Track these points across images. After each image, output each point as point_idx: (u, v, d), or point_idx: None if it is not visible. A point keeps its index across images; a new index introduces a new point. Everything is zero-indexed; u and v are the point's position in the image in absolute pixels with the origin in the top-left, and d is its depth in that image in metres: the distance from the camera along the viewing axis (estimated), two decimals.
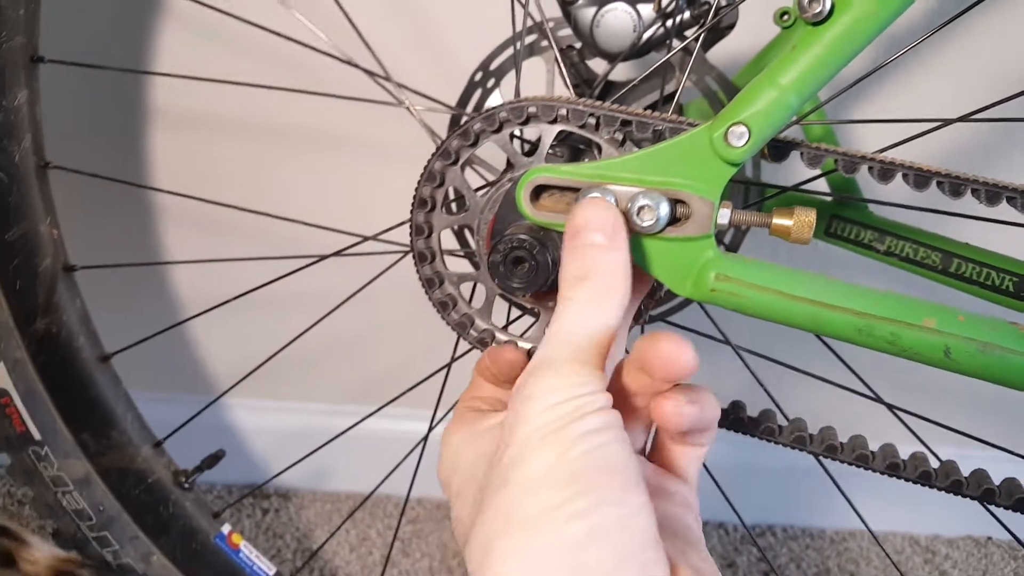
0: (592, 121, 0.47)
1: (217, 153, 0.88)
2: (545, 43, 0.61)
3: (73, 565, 0.67)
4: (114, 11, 0.81)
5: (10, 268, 0.61)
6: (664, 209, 0.44)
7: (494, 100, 0.62)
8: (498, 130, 0.49)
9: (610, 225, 0.41)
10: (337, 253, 0.65)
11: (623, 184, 0.45)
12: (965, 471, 0.54)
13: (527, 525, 0.34)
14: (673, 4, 0.56)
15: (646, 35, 0.57)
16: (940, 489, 0.54)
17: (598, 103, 0.47)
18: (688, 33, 0.58)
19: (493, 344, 0.51)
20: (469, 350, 0.57)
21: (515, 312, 0.63)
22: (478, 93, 0.63)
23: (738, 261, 0.46)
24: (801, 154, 0.47)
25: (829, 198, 0.67)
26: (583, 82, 0.62)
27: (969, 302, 0.63)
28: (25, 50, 0.60)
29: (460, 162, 0.50)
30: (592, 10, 0.57)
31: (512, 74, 0.61)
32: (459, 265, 0.58)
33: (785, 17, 0.57)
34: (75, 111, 0.84)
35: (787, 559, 0.99)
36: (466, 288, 0.55)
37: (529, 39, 0.61)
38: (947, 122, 0.55)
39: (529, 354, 0.48)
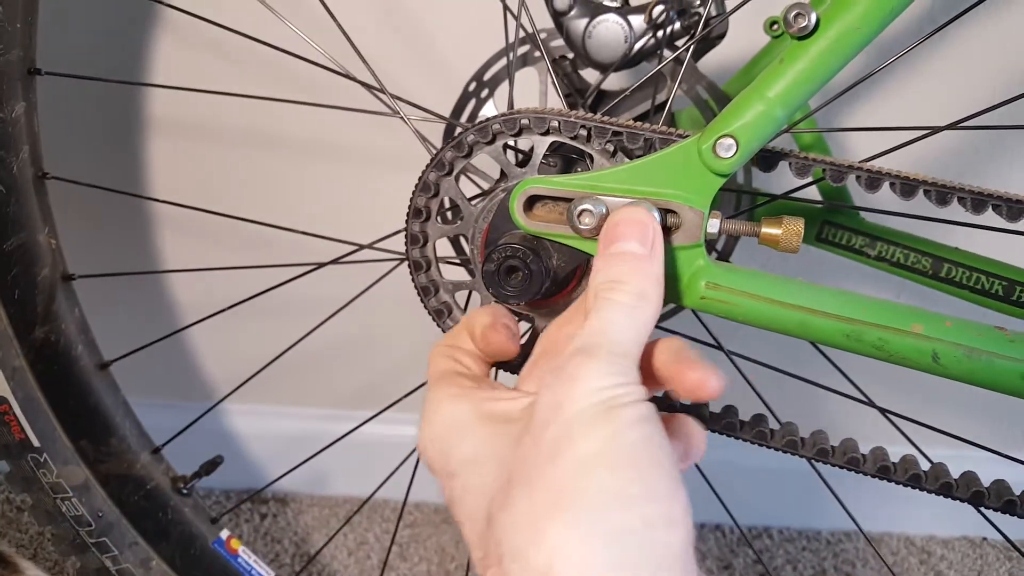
0: (584, 132, 0.48)
1: (214, 163, 0.88)
2: (538, 54, 0.62)
3: None
4: (111, 23, 0.82)
5: (9, 278, 0.62)
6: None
7: (488, 110, 0.63)
8: (491, 141, 0.49)
9: (650, 236, 0.41)
10: (334, 261, 0.66)
11: (614, 194, 0.45)
12: (956, 472, 0.55)
13: (583, 506, 0.33)
14: (664, 15, 0.57)
15: (637, 45, 0.58)
16: (930, 492, 0.54)
17: (589, 115, 0.48)
18: (679, 43, 0.59)
19: (491, 321, 0.47)
20: None
21: None
22: (472, 103, 0.63)
23: (728, 269, 0.47)
24: (790, 164, 0.48)
25: (820, 205, 0.68)
26: (576, 92, 0.63)
27: (959, 306, 0.64)
28: (22, 63, 0.60)
29: (454, 173, 0.51)
30: (584, 21, 0.58)
31: (506, 84, 0.61)
32: (455, 273, 0.59)
33: (775, 27, 0.58)
34: (73, 122, 0.85)
35: (783, 561, 1.00)
36: (461, 296, 0.56)
37: (522, 50, 0.62)
38: (936, 130, 0.55)
39: (522, 349, 0.48)
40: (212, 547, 0.73)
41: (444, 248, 0.61)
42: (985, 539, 1.04)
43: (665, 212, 0.46)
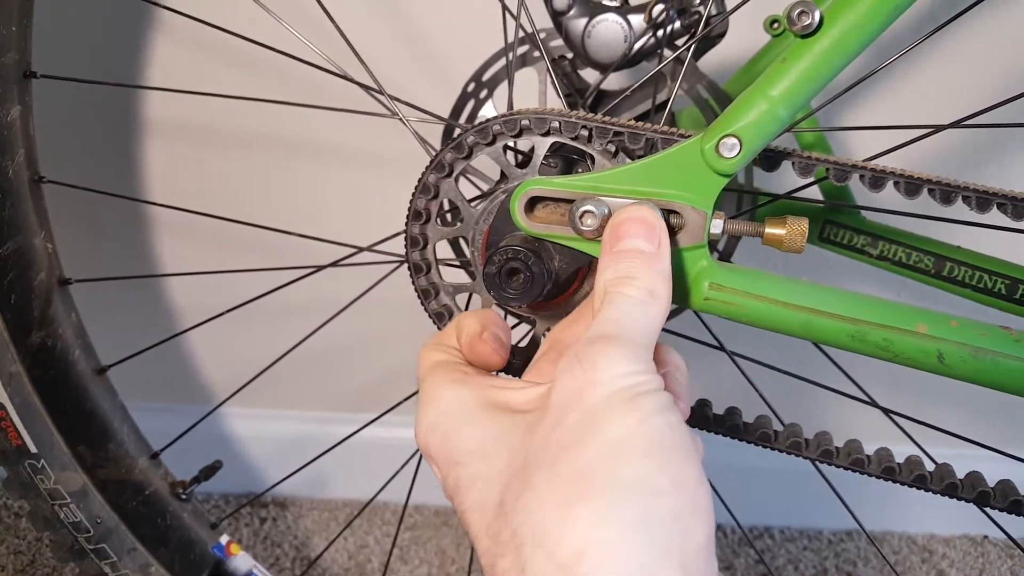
0: (585, 133, 0.48)
1: (212, 165, 0.88)
2: (537, 54, 0.62)
3: None
4: (107, 26, 0.81)
5: (5, 282, 0.61)
6: None
7: (487, 111, 0.62)
8: (491, 143, 0.49)
9: (656, 234, 0.41)
10: (333, 264, 0.66)
11: (616, 195, 0.45)
12: (961, 472, 0.55)
13: (616, 491, 0.32)
14: (664, 14, 0.57)
15: (637, 45, 0.58)
16: (935, 492, 0.54)
17: (590, 115, 0.48)
18: (679, 42, 0.59)
19: (479, 330, 0.45)
20: None
21: (511, 320, 0.63)
22: (471, 104, 0.63)
23: (731, 270, 0.47)
24: (793, 163, 0.47)
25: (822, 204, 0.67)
26: (576, 92, 0.62)
27: (962, 305, 0.64)
28: (18, 66, 0.60)
29: (454, 175, 0.50)
30: (583, 21, 0.57)
31: (505, 84, 0.61)
32: (455, 275, 0.58)
33: (775, 25, 0.57)
34: (69, 125, 0.84)
35: (785, 560, 1.00)
36: (462, 298, 0.56)
37: (521, 50, 0.62)
38: (938, 128, 0.55)
39: (510, 362, 0.47)
40: (212, 552, 0.73)
41: (444, 250, 0.61)
42: (986, 537, 1.04)
43: (668, 213, 0.45)
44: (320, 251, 0.70)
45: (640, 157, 0.46)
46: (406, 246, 0.52)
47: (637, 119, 0.61)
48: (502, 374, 0.46)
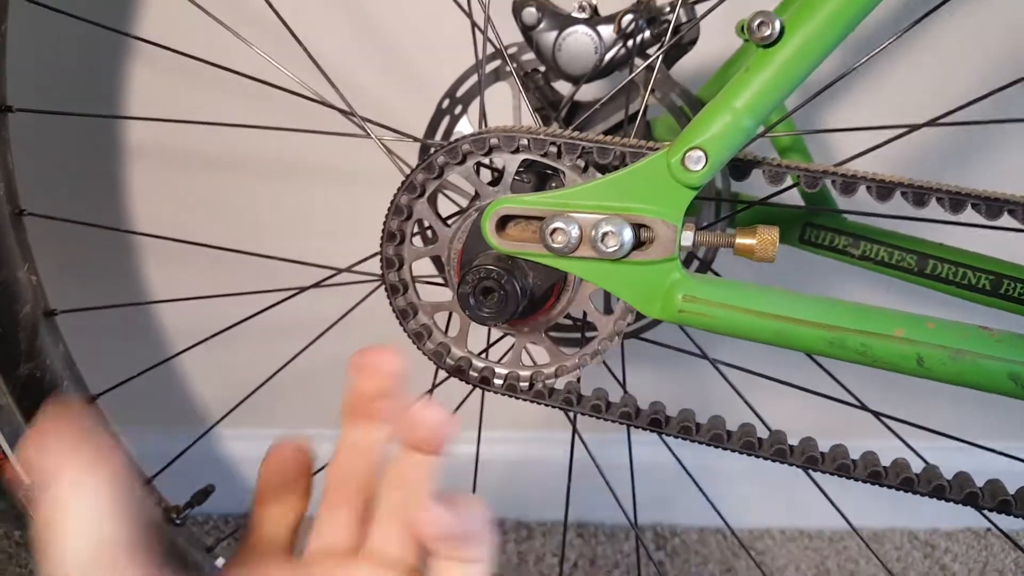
0: (554, 149, 0.48)
1: (193, 189, 0.88)
2: (510, 68, 0.61)
3: None
4: (81, 56, 0.82)
5: None
6: (627, 235, 0.45)
7: (463, 127, 0.62)
8: (462, 162, 0.49)
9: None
10: (314, 286, 0.66)
11: (586, 212, 0.45)
12: (950, 473, 0.55)
13: None
14: (633, 24, 0.56)
15: (608, 56, 0.57)
16: (923, 495, 0.54)
17: (558, 131, 0.48)
18: (650, 51, 0.59)
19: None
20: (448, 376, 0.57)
21: (495, 334, 0.63)
22: (447, 120, 0.63)
23: (705, 281, 0.47)
24: (763, 172, 0.47)
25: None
26: (549, 105, 0.62)
27: (948, 302, 0.64)
28: None
29: (427, 195, 0.50)
30: (553, 34, 0.57)
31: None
32: (434, 293, 0.58)
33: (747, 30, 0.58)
34: (48, 155, 0.85)
35: (785, 561, 1.00)
36: (441, 316, 0.56)
37: (494, 65, 0.62)
38: (913, 128, 0.55)
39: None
40: None
41: (429, 268, 0.61)
42: (989, 530, 1.03)
43: (638, 227, 0.45)
44: (304, 271, 0.71)
45: (614, 169, 0.46)
46: (382, 267, 0.52)
47: (612, 129, 0.61)
48: None
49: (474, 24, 0.58)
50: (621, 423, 0.52)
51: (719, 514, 0.69)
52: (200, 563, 0.73)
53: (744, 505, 1.01)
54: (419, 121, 0.65)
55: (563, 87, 0.63)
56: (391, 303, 0.53)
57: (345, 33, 0.81)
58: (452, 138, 0.57)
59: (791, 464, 0.53)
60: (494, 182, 0.50)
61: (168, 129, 0.83)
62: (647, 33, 0.58)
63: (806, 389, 0.63)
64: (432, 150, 0.50)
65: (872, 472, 0.53)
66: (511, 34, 0.59)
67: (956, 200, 0.47)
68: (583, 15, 0.58)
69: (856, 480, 0.53)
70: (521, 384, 0.53)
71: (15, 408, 0.64)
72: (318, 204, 0.89)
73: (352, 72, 0.79)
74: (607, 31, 0.57)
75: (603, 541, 1.01)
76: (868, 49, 0.54)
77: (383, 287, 0.53)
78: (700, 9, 0.59)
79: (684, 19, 0.58)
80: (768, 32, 0.41)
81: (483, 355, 0.55)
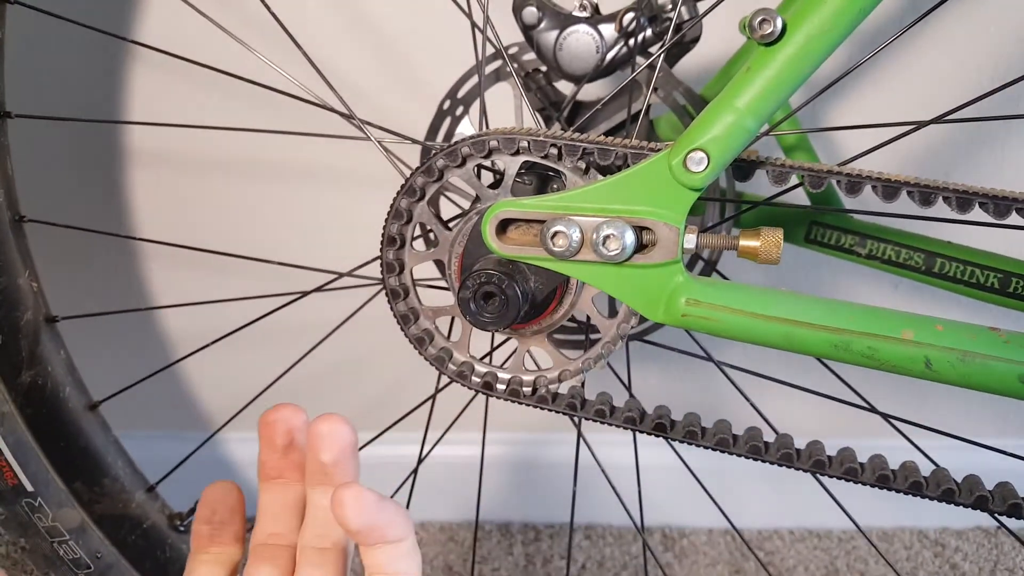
0: (554, 151, 0.47)
1: (194, 194, 0.88)
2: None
3: None
4: (80, 61, 0.81)
5: None
6: (629, 237, 0.44)
7: (464, 128, 0.62)
8: (461, 164, 0.49)
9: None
10: (316, 290, 0.65)
11: (586, 214, 0.44)
12: (959, 475, 0.54)
13: None
14: (634, 23, 0.56)
15: (610, 55, 0.57)
16: (932, 499, 0.53)
17: (558, 133, 0.47)
18: (652, 50, 0.58)
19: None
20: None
21: (498, 339, 0.63)
22: (448, 121, 0.62)
23: (708, 284, 0.46)
24: (767, 172, 0.47)
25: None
26: (551, 104, 0.62)
27: (957, 301, 0.63)
28: None
29: (426, 198, 0.50)
30: (554, 34, 0.57)
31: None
32: (435, 297, 0.58)
33: None
34: (48, 161, 0.85)
35: (795, 562, 0.99)
36: (442, 321, 0.55)
37: (496, 65, 0.61)
38: (920, 125, 0.54)
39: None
40: None
41: (431, 271, 0.60)
42: (1000, 529, 1.02)
43: (640, 230, 0.45)
44: (307, 275, 0.70)
45: (616, 171, 0.46)
46: (382, 272, 0.52)
47: (614, 129, 0.60)
48: None
49: (473, 24, 0.57)
50: (626, 428, 0.52)
51: (726, 516, 0.68)
52: None
53: (753, 506, 1.01)
54: (421, 123, 0.64)
55: (565, 87, 0.63)
56: (392, 308, 0.53)
57: (345, 36, 0.80)
58: (453, 140, 0.56)
59: (798, 468, 0.52)
60: (495, 185, 0.50)
61: (168, 134, 0.83)
62: (649, 31, 0.57)
63: (813, 391, 0.62)
64: (432, 152, 0.49)
65: (880, 476, 0.52)
66: (512, 34, 0.59)
67: (963, 199, 0.46)
68: (584, 14, 0.57)
69: (864, 484, 0.52)
70: (524, 389, 0.53)
71: (17, 415, 0.64)
72: (321, 207, 0.89)
73: (352, 75, 0.78)
74: (608, 30, 0.57)
75: (611, 543, 1.01)
76: (874, 45, 0.53)
77: (384, 292, 0.53)
78: (702, 6, 0.58)
79: (686, 17, 0.57)
80: (770, 30, 0.40)
81: (486, 360, 0.55)
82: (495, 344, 0.62)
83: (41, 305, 0.66)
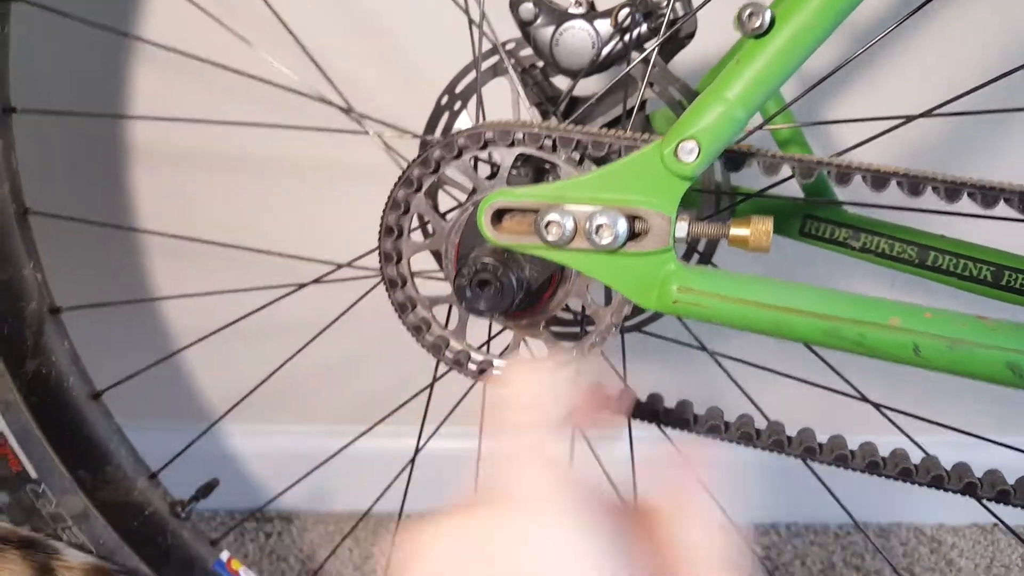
0: (549, 143, 0.48)
1: (195, 188, 0.89)
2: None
3: (104, 572, 0.67)
4: (84, 57, 0.82)
5: None
6: (622, 226, 0.45)
7: (462, 122, 0.63)
8: (458, 156, 0.49)
9: None
10: (314, 281, 0.66)
11: (580, 203, 0.45)
12: (949, 463, 0.54)
13: None
14: (629, 18, 0.57)
15: (605, 50, 0.57)
16: (922, 484, 0.54)
17: (553, 125, 0.48)
18: (648, 45, 0.59)
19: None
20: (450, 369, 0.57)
21: (495, 328, 0.63)
22: (446, 116, 0.63)
23: (699, 272, 0.47)
24: (758, 162, 0.47)
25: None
26: (547, 99, 0.62)
27: (950, 294, 0.63)
28: None
29: (423, 189, 0.51)
30: (550, 29, 0.58)
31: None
32: (433, 287, 0.59)
33: None
34: (53, 155, 0.86)
35: (791, 556, 0.99)
36: (441, 309, 0.56)
37: (493, 60, 0.62)
38: (910, 118, 0.55)
39: None
40: (213, 569, 0.74)
41: (429, 262, 0.61)
42: (996, 525, 1.03)
43: (633, 218, 0.46)
44: (306, 267, 0.71)
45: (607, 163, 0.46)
46: (380, 262, 0.53)
47: (611, 123, 0.61)
48: None
49: (471, 20, 0.58)
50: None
51: (722, 510, 0.69)
52: (205, 557, 0.74)
53: (747, 501, 1.01)
54: (419, 117, 0.65)
55: (562, 82, 0.63)
56: (390, 297, 0.53)
57: (343, 31, 0.81)
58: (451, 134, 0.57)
59: (789, 454, 0.53)
60: (491, 176, 0.51)
61: (170, 128, 0.84)
62: (644, 27, 0.58)
63: (807, 381, 0.63)
64: (429, 144, 0.50)
65: (870, 462, 0.53)
66: (509, 29, 0.60)
67: (951, 188, 0.47)
68: (580, 10, 0.58)
69: (854, 471, 0.53)
70: None
71: (22, 403, 0.65)
72: (321, 200, 0.90)
73: (352, 70, 0.79)
74: (604, 25, 0.58)
75: None
76: (867, 39, 0.54)
77: (382, 281, 0.54)
78: (696, 1, 0.59)
79: (681, 12, 0.58)
80: (758, 23, 0.41)
81: (483, 348, 0.56)
82: (492, 333, 0.63)
83: (45, 296, 0.67)
